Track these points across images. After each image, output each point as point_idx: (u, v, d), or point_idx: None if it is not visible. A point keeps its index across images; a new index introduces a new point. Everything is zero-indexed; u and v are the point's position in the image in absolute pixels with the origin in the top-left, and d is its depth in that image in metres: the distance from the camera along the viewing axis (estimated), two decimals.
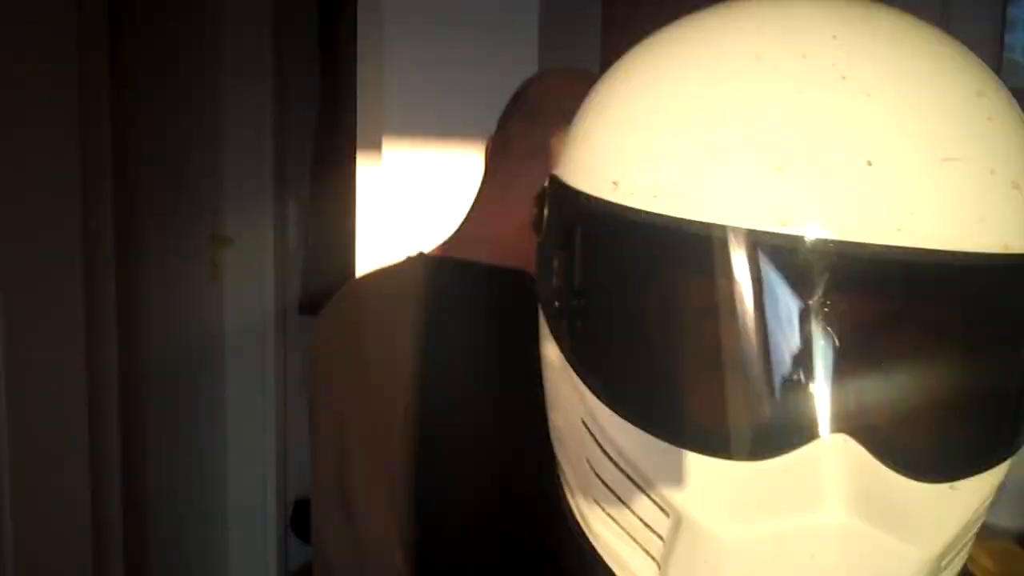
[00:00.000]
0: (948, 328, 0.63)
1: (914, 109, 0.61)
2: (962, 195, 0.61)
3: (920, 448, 0.63)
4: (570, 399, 0.71)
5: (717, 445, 0.63)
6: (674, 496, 0.64)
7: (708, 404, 0.63)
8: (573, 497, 0.75)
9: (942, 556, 0.63)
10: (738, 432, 0.62)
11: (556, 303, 0.72)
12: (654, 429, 0.65)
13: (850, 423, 0.60)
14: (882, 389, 0.62)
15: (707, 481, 0.63)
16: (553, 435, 0.78)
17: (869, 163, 0.60)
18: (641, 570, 0.68)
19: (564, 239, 0.72)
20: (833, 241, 0.59)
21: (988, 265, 0.61)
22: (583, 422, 0.70)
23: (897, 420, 0.62)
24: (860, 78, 0.61)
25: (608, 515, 0.71)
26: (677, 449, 0.64)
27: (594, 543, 0.73)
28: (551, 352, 0.73)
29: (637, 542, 0.68)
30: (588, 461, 0.70)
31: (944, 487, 0.63)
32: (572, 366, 0.70)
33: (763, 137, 0.61)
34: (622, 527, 0.69)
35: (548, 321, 0.74)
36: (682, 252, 0.63)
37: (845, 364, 0.61)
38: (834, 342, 0.61)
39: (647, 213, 0.64)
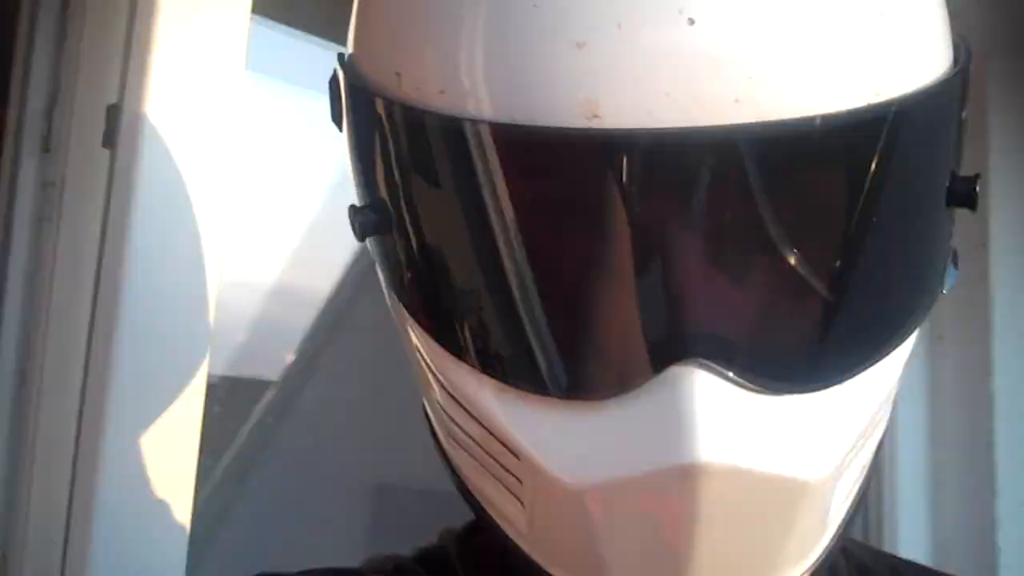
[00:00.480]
0: (808, 215, 0.52)
1: None
2: (813, 41, 0.50)
3: (788, 359, 0.53)
4: (402, 324, 0.62)
5: (547, 384, 0.54)
6: (516, 440, 0.54)
7: (534, 337, 0.54)
8: (441, 439, 0.64)
9: (837, 475, 0.54)
10: (568, 368, 0.53)
11: (363, 216, 0.60)
12: (480, 366, 0.55)
13: (699, 347, 0.50)
14: (733, 301, 0.51)
15: (546, 423, 0.54)
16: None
17: (691, 20, 0.49)
18: (514, 516, 0.58)
19: (358, 138, 0.61)
20: (654, 131, 0.49)
21: (856, 122, 0.51)
22: (419, 356, 0.60)
23: (756, 333, 0.52)
24: None
25: (472, 458, 0.60)
26: (511, 388, 0.55)
27: (469, 487, 0.62)
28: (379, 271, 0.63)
29: (503, 485, 0.58)
30: (438, 402, 0.60)
31: (821, 396, 0.53)
32: (393, 290, 0.60)
33: (558, 4, 0.50)
34: (486, 469, 0.59)
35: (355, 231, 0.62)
36: (480, 161, 0.53)
37: (683, 279, 0.50)
38: (670, 254, 0.50)
39: (432, 113, 0.54)
